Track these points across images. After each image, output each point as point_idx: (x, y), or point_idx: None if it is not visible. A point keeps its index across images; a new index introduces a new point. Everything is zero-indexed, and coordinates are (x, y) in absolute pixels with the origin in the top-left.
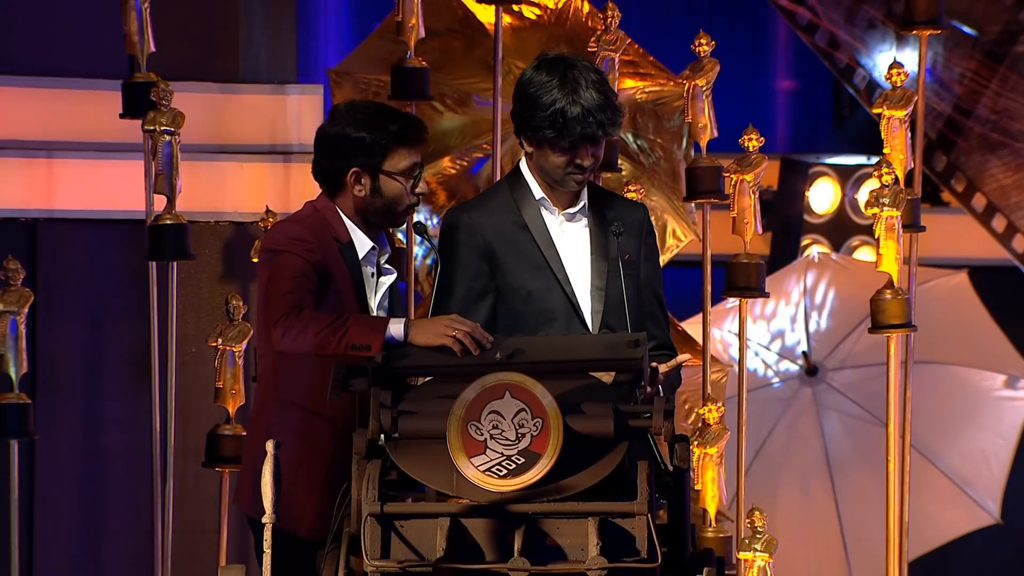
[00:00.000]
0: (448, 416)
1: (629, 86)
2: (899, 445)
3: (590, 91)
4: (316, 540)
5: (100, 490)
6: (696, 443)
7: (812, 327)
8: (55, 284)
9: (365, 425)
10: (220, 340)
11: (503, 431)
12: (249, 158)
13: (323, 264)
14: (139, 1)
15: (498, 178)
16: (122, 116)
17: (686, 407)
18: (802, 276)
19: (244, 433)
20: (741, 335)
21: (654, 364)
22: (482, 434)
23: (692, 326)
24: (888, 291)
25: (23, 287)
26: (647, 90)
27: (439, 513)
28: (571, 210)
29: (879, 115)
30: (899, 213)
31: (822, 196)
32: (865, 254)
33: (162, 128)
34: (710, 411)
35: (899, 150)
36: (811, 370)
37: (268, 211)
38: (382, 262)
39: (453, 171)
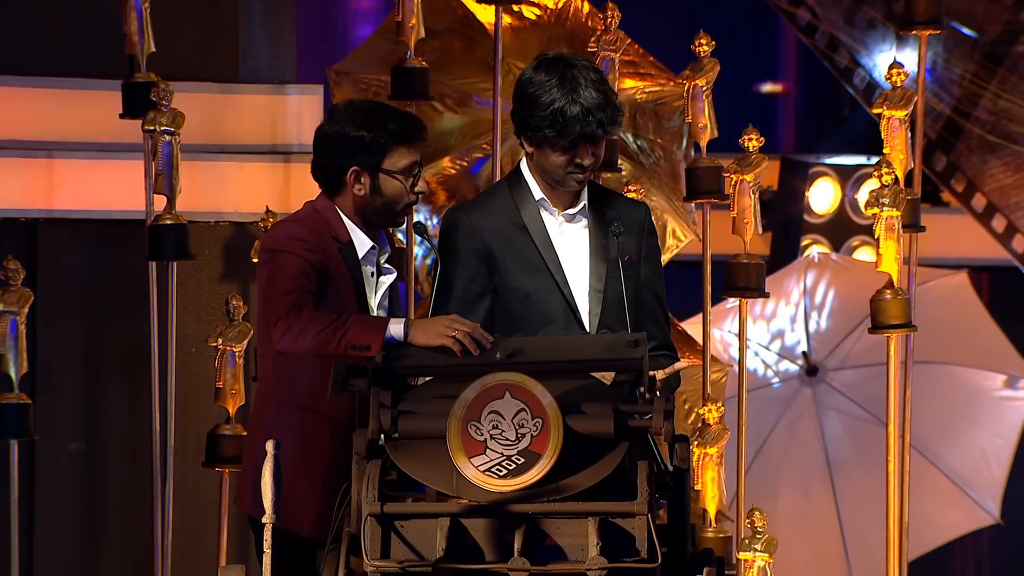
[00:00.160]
0: (448, 416)
1: (629, 86)
2: (899, 445)
3: (589, 90)
4: (316, 540)
5: (100, 490)
6: (696, 443)
7: (812, 327)
8: (55, 284)
9: (365, 425)
10: (220, 340)
11: (503, 431)
12: (249, 158)
13: (323, 264)
14: (139, 1)
15: (498, 178)
16: (122, 116)
17: (686, 407)
18: (802, 276)
19: (244, 433)
20: (741, 335)
21: (652, 372)
22: (482, 434)
23: (692, 326)
24: (888, 291)
25: (23, 287)
26: (647, 90)
27: (439, 513)
28: (571, 211)
29: (879, 115)
30: (899, 213)
31: (822, 196)
32: (865, 254)
33: (162, 128)
34: (710, 411)
35: (899, 150)
36: (811, 370)
37: (268, 211)
38: (382, 262)
39: (453, 171)
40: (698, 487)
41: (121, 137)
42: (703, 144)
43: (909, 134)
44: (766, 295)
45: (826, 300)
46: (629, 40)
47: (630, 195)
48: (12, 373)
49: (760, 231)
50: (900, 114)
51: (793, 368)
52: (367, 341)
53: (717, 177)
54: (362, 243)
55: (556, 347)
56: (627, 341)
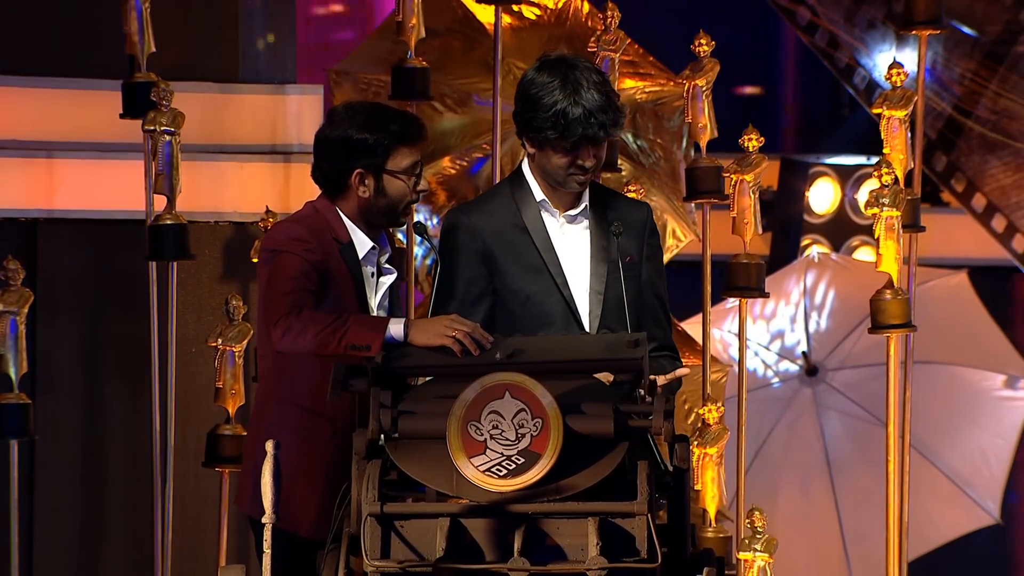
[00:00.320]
0: (448, 416)
1: (629, 86)
2: (899, 445)
3: (592, 92)
4: (316, 540)
5: (100, 490)
6: (696, 443)
7: (812, 327)
8: (55, 284)
9: (365, 425)
10: (220, 340)
11: (503, 431)
12: (249, 158)
13: (323, 264)
14: (139, 1)
15: (498, 178)
16: (122, 116)
17: (686, 407)
18: (802, 276)
19: (244, 433)
20: (741, 335)
21: (653, 376)
22: (482, 434)
23: (692, 326)
24: (888, 291)
25: (23, 287)
26: (647, 90)
27: (439, 513)
28: (572, 212)
29: (879, 115)
30: (899, 213)
31: (822, 196)
32: (865, 254)
33: (162, 128)
34: (710, 411)
35: (899, 150)
36: (811, 370)
37: (268, 211)
38: (382, 262)
39: (453, 171)
40: (698, 487)
41: (121, 137)
42: (703, 144)
43: (909, 134)
44: (766, 295)
45: (826, 300)
46: (629, 40)
47: (630, 195)
48: (12, 373)
49: (760, 231)
50: (900, 114)
51: (793, 368)
52: (367, 341)
53: (717, 177)
54: (362, 243)
55: (556, 347)
56: (627, 341)
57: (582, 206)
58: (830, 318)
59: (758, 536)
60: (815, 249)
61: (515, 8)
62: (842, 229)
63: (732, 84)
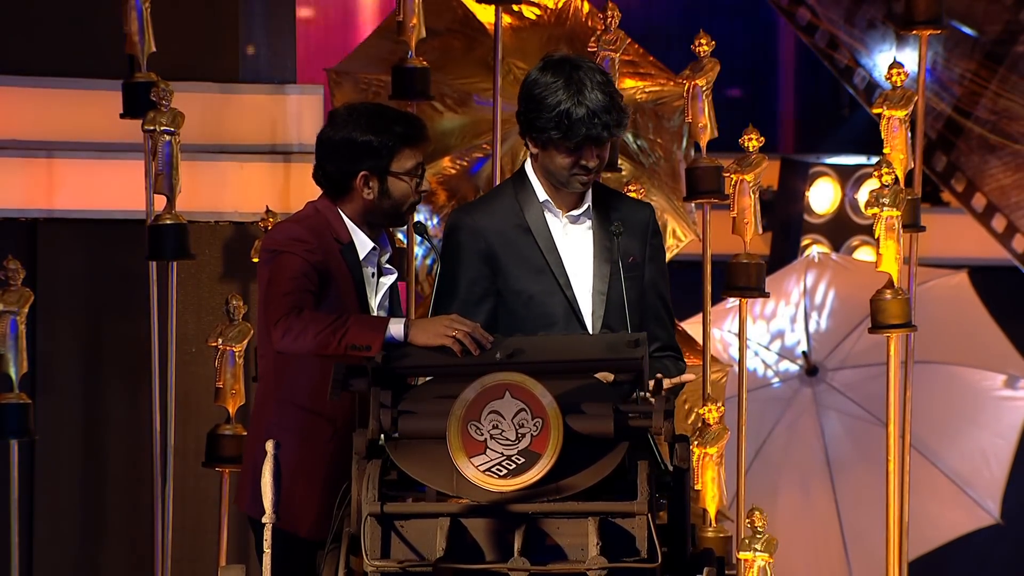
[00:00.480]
0: (448, 416)
1: (629, 86)
2: (899, 445)
3: (595, 92)
4: (316, 540)
5: (100, 490)
6: (696, 443)
7: (812, 327)
8: (55, 284)
9: (365, 425)
10: (220, 340)
11: (503, 431)
12: (249, 158)
13: (323, 265)
14: (139, 1)
15: (498, 178)
16: (122, 116)
17: (686, 407)
18: (802, 276)
19: (244, 433)
20: (741, 335)
21: (659, 376)
22: (482, 434)
23: (692, 326)
24: (888, 291)
25: (23, 287)
26: (647, 90)
27: (439, 513)
28: (575, 212)
29: (879, 115)
30: (899, 213)
31: (822, 196)
32: (865, 254)
33: (162, 128)
34: (710, 411)
35: (899, 150)
36: (811, 370)
37: (268, 211)
38: (383, 262)
39: (453, 171)
40: (698, 487)
41: (121, 137)
42: (703, 144)
43: (909, 134)
44: (766, 295)
45: (826, 300)
46: (629, 40)
47: (631, 195)
48: (12, 373)
49: (760, 231)
50: (900, 114)
51: (793, 368)
52: (367, 341)
53: (717, 177)
54: (363, 244)
55: (556, 347)
56: (627, 341)
57: (585, 206)
58: (830, 318)
59: (758, 536)
60: (815, 249)
61: (515, 8)
62: (842, 229)
63: (731, 84)
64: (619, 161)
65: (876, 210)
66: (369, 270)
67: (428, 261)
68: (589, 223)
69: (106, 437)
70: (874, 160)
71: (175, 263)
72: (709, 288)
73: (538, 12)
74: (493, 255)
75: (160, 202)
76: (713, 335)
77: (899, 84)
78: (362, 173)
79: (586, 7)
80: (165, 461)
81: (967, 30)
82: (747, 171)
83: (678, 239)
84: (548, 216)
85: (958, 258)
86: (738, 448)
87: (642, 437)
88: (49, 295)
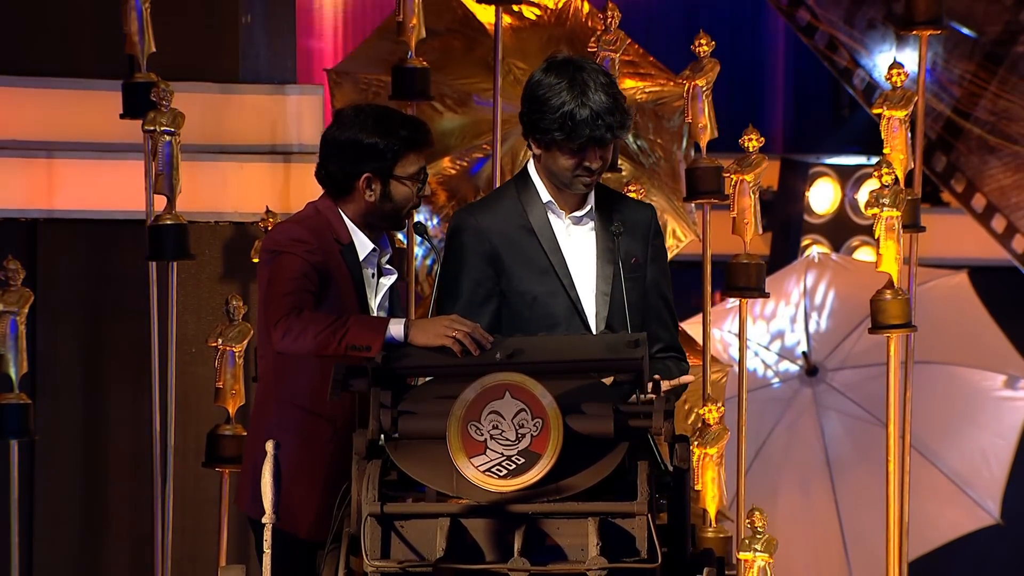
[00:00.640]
0: (448, 416)
1: (629, 86)
2: (899, 445)
3: (599, 94)
4: (316, 541)
5: (100, 490)
6: (696, 443)
7: (812, 327)
8: (55, 284)
9: (365, 425)
10: (220, 340)
11: (503, 431)
12: (249, 158)
13: (324, 265)
14: (139, 1)
15: (498, 178)
16: (122, 116)
17: (686, 407)
18: (802, 276)
19: (244, 433)
20: (741, 335)
21: (657, 376)
22: (482, 434)
23: (692, 326)
24: (888, 291)
25: (23, 287)
26: (647, 90)
27: (439, 513)
28: (578, 213)
29: (879, 115)
30: (899, 213)
31: (822, 196)
32: (865, 254)
33: (162, 128)
34: (710, 411)
35: (899, 150)
36: (811, 370)
37: (268, 211)
38: (383, 263)
39: (453, 171)
40: (698, 487)
41: (121, 137)
42: (703, 144)
43: (909, 134)
44: (766, 295)
45: (826, 300)
46: (629, 40)
47: (630, 195)
48: (12, 373)
49: (760, 231)
50: (900, 114)
51: (793, 368)
52: (367, 342)
53: (717, 177)
54: (363, 245)
55: (556, 347)
56: (627, 341)
57: (588, 207)
58: (830, 318)
59: (758, 536)
60: (815, 249)
61: (515, 8)
62: (842, 229)
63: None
64: (619, 161)
65: (876, 210)
66: (369, 271)
67: (428, 261)
68: (592, 224)
69: (106, 437)
70: (874, 160)
71: (175, 263)
72: (709, 288)
73: (538, 12)
74: (497, 256)
75: (160, 202)
76: (713, 335)
77: (899, 85)
78: (365, 175)
79: (586, 7)
80: (165, 461)
81: (967, 31)
82: (747, 171)
83: (678, 239)
84: (551, 217)
85: (958, 258)
86: (738, 448)
87: (642, 437)
88: (49, 295)
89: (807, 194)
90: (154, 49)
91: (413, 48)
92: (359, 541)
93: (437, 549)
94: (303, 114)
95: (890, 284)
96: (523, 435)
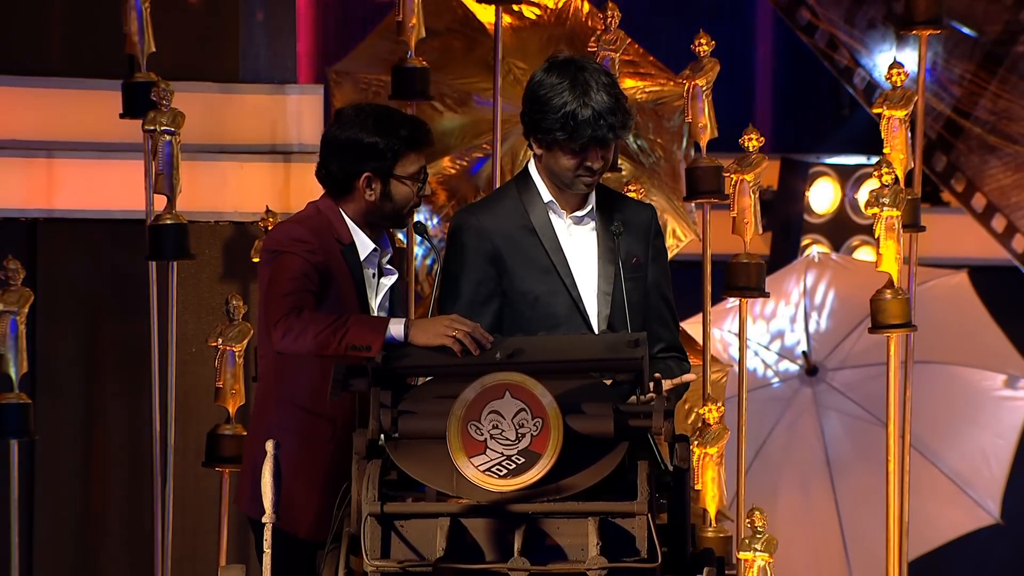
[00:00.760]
0: (448, 416)
1: (629, 86)
2: (899, 445)
3: (601, 93)
4: (316, 540)
5: (100, 490)
6: (696, 443)
7: (812, 327)
8: (55, 284)
9: (365, 425)
10: (220, 340)
11: (503, 431)
12: (249, 158)
13: (324, 265)
14: (139, 1)
15: (498, 178)
16: (122, 116)
17: (686, 407)
18: (802, 276)
19: (244, 433)
20: (741, 335)
21: (657, 375)
22: (482, 434)
23: (692, 326)
24: (888, 291)
25: (23, 287)
26: (647, 90)
27: (439, 513)
28: (579, 213)
29: (879, 115)
30: (899, 213)
31: (822, 196)
32: (865, 254)
33: (162, 128)
34: (710, 411)
35: (899, 150)
36: (811, 370)
37: (268, 211)
38: (383, 263)
39: (453, 171)
40: (698, 487)
41: (121, 137)
42: (703, 144)
43: (909, 134)
44: (766, 295)
45: (826, 300)
46: (629, 40)
47: (630, 195)
48: (12, 373)
49: (760, 231)
50: (900, 114)
51: (793, 368)
52: (367, 342)
53: (717, 177)
54: (364, 245)
55: (556, 347)
56: (627, 341)
57: (589, 207)
58: (830, 318)
59: (758, 536)
60: (815, 249)
61: (515, 8)
62: (842, 229)
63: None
64: (619, 161)
65: (876, 210)
66: (370, 271)
67: (428, 261)
68: (593, 224)
69: (106, 437)
70: (874, 160)
71: (175, 263)
72: (709, 288)
73: (538, 12)
74: (499, 256)
75: (160, 202)
76: (713, 335)
77: (899, 84)
78: (365, 174)
79: (586, 7)
80: (165, 461)
81: (967, 30)
82: (747, 171)
83: (678, 239)
84: (552, 217)
85: (958, 258)
86: (738, 448)
87: (642, 437)
88: (49, 295)
89: (807, 194)
90: (154, 49)
91: (413, 48)
92: (359, 541)
93: (437, 549)
94: (303, 114)
95: (890, 284)
96: (523, 435)
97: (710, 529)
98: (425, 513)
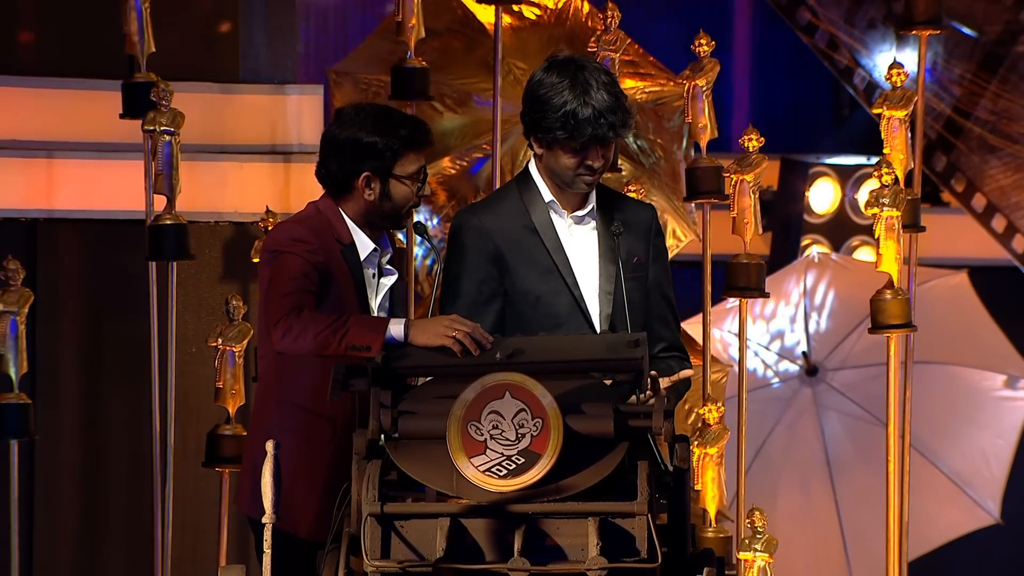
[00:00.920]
0: (448, 416)
1: (629, 86)
2: (899, 445)
3: (601, 92)
4: (316, 540)
5: (100, 490)
6: (696, 443)
7: (812, 327)
8: (55, 284)
9: (365, 425)
10: (220, 340)
11: (503, 431)
12: (249, 158)
13: (324, 265)
14: (139, 1)
15: (497, 178)
16: (122, 116)
17: (686, 407)
18: (802, 276)
19: (244, 433)
20: (741, 335)
21: (654, 372)
22: (482, 434)
23: (692, 326)
24: (888, 291)
25: (23, 287)
26: (647, 90)
27: (439, 513)
28: (580, 213)
29: (879, 115)
30: (899, 213)
31: (822, 196)
32: (865, 254)
33: (162, 128)
34: (710, 411)
35: (899, 150)
36: (811, 370)
37: (268, 211)
38: (383, 263)
39: (453, 171)
40: (698, 487)
41: (121, 137)
42: (703, 144)
43: (909, 134)
44: (766, 295)
45: (826, 300)
46: (629, 40)
47: (630, 195)
48: (12, 373)
49: (760, 231)
50: (900, 114)
51: (793, 368)
52: (367, 342)
53: (717, 177)
54: (364, 245)
55: (556, 347)
56: (627, 341)
57: (589, 207)
58: (830, 318)
59: (758, 536)
60: (815, 249)
61: (515, 8)
62: (842, 229)
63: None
64: (619, 161)
65: (876, 210)
66: (370, 271)
67: (428, 261)
68: (593, 224)
69: (106, 437)
70: (874, 160)
71: (175, 263)
72: (709, 288)
73: (538, 12)
74: (500, 256)
75: (160, 202)
76: (713, 335)
77: (899, 84)
78: (364, 174)
79: (586, 7)
80: (165, 461)
81: (967, 31)
82: (747, 171)
83: (678, 239)
84: (553, 216)
85: (958, 258)
86: (738, 448)
87: (642, 437)
88: (49, 295)
89: (807, 194)
90: (154, 49)
91: (413, 48)
92: (359, 541)
93: (437, 549)
94: (303, 114)
95: (890, 284)
96: (523, 435)
97: (710, 529)
98: (425, 513)
